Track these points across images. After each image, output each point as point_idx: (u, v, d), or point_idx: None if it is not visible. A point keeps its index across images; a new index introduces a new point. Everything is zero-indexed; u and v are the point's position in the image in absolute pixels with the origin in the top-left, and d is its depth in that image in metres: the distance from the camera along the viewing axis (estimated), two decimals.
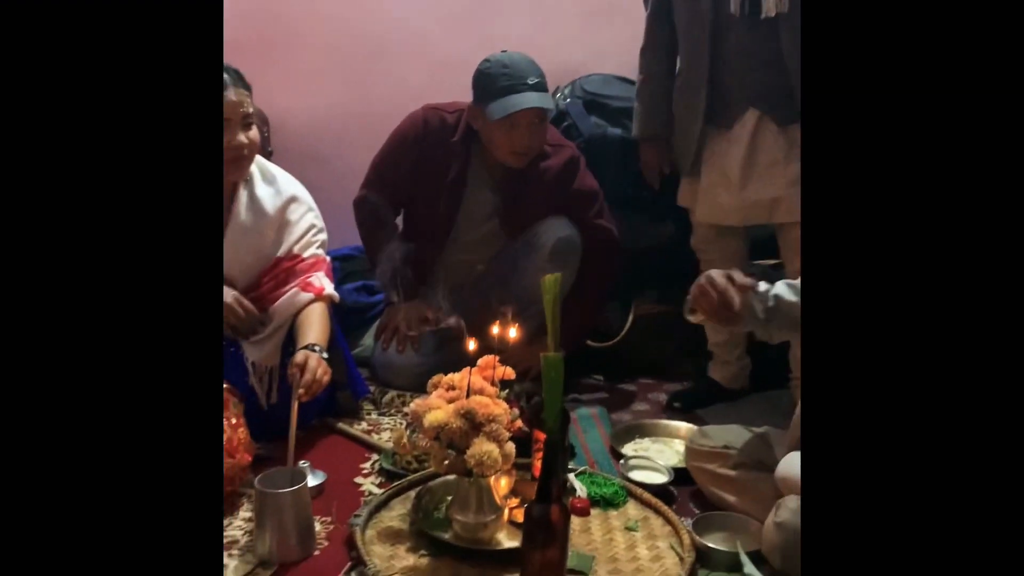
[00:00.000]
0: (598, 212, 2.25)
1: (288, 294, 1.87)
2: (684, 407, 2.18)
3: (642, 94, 2.19)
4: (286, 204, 1.89)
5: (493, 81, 2.06)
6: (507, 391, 1.53)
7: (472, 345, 1.52)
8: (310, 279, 1.90)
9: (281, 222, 1.88)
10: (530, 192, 2.21)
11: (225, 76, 1.68)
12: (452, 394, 1.47)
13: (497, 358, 1.56)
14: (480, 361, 1.55)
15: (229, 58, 1.73)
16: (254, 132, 1.76)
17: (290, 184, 1.93)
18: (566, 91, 2.56)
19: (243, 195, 1.83)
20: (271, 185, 1.88)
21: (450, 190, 2.20)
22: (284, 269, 1.89)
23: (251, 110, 1.75)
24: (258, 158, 1.87)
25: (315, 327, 1.81)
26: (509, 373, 1.57)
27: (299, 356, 1.70)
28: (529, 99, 2.03)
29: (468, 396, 1.44)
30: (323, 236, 1.97)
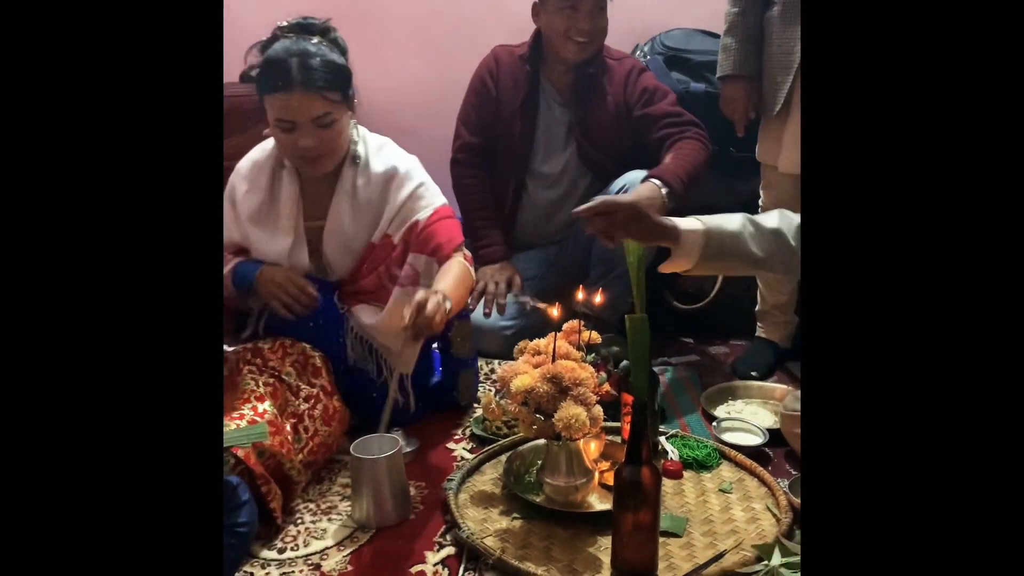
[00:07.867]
0: (672, 103, 2.24)
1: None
2: (762, 375, 2.11)
3: (738, 28, 2.03)
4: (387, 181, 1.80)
5: None
6: (593, 355, 1.53)
7: (556, 311, 1.51)
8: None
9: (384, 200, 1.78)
10: (598, 101, 2.25)
11: (298, 74, 1.55)
12: (538, 359, 1.48)
13: (582, 322, 1.56)
14: (565, 326, 1.55)
15: None
16: (328, 133, 1.62)
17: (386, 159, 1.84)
18: (645, 48, 2.50)
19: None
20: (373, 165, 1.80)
21: (523, 110, 2.28)
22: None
23: (321, 112, 1.59)
24: (365, 135, 1.81)
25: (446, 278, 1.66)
26: (595, 338, 1.57)
27: (420, 294, 1.50)
28: None
29: (554, 361, 1.44)
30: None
